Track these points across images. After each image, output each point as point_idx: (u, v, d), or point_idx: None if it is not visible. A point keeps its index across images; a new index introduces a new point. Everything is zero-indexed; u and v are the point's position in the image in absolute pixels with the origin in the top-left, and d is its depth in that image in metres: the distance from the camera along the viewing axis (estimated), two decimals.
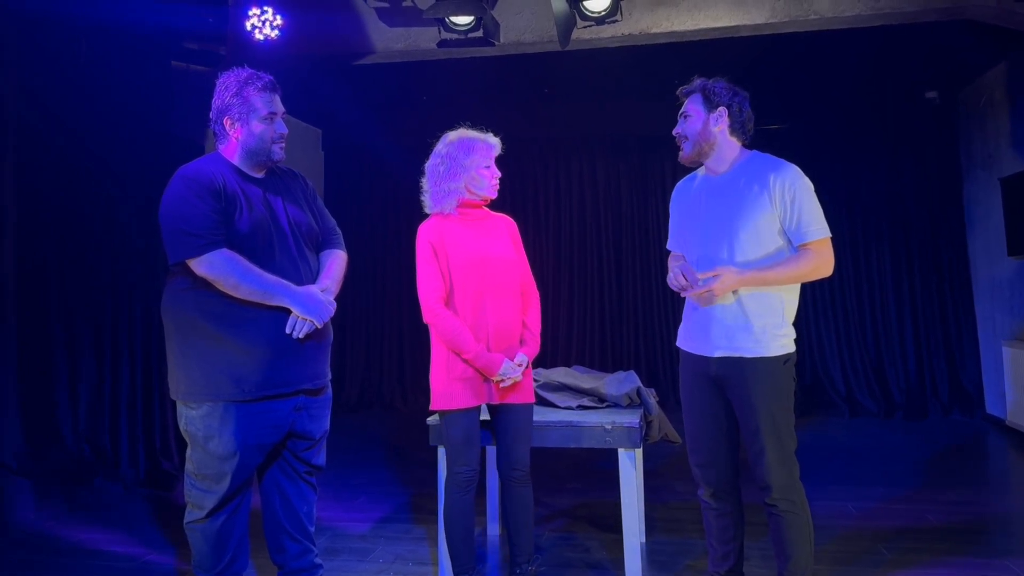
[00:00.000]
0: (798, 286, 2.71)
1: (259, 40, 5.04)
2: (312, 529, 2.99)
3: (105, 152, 5.07)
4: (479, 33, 5.01)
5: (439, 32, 5.07)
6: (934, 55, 6.50)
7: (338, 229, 3.05)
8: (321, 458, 2.98)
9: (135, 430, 5.19)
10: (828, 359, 7.60)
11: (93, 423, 4.95)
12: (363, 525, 4.21)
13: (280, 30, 5.05)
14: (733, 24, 5.09)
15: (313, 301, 2.69)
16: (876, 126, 7.60)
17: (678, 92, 2.86)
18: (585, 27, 5.08)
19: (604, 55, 5.74)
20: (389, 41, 5.50)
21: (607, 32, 5.20)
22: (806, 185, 2.63)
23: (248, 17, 5.00)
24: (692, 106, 2.78)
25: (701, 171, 2.89)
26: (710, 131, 2.74)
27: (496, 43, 5.21)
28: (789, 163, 2.68)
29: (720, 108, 2.72)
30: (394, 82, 7.10)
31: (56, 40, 4.77)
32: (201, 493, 2.69)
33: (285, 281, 2.66)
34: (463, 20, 4.93)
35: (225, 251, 2.58)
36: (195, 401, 2.64)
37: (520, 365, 2.96)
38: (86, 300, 4.95)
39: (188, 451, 2.71)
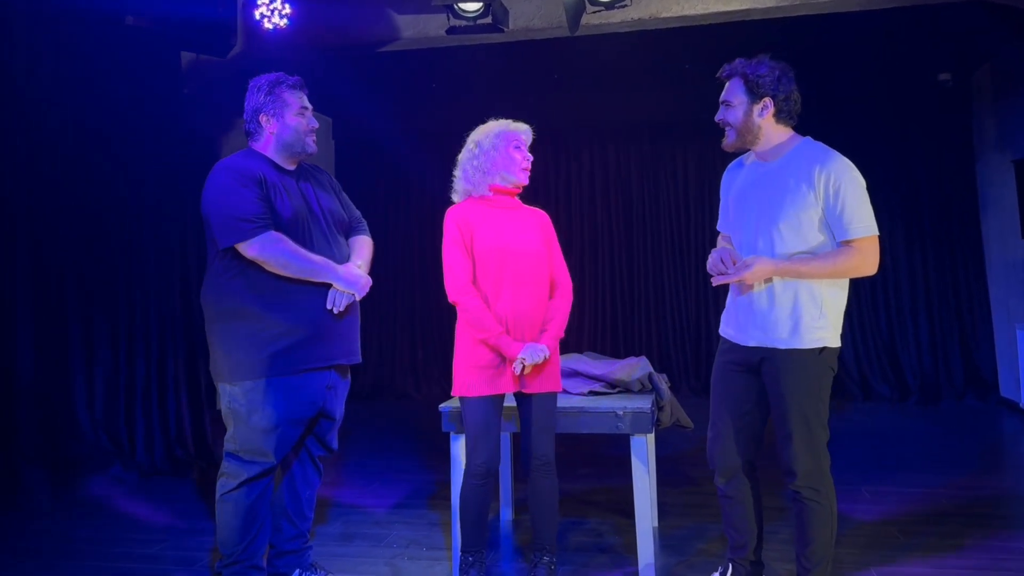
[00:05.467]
0: (846, 280, 2.65)
1: (268, 29, 5.05)
2: (311, 514, 3.16)
3: (117, 144, 5.09)
4: (488, 20, 4.99)
5: (448, 19, 5.05)
6: (947, 36, 6.44)
7: (363, 219, 3.30)
8: (336, 441, 3.17)
9: (151, 419, 5.24)
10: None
11: (109, 412, 5.01)
12: (378, 511, 4.24)
13: (289, 19, 5.05)
14: (744, 8, 5.05)
15: (354, 276, 2.92)
16: (889, 109, 7.55)
17: (718, 74, 2.76)
18: (594, 12, 5.06)
19: (614, 40, 5.71)
20: (398, 29, 5.49)
21: (616, 17, 5.17)
22: (854, 179, 2.55)
23: (257, 6, 5.00)
24: (734, 93, 2.69)
25: (750, 157, 2.82)
26: (754, 121, 2.67)
27: (505, 29, 5.20)
28: (839, 155, 2.60)
29: (765, 99, 2.64)
30: (403, 70, 7.09)
31: (65, 33, 4.79)
32: (241, 463, 2.85)
33: (327, 259, 2.88)
34: (472, 7, 4.92)
35: (274, 232, 2.79)
36: (239, 379, 2.81)
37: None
38: (102, 291, 4.99)
39: (229, 431, 2.87)
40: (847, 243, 2.55)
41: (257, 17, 5.02)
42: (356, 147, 8.64)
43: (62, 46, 4.78)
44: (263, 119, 2.95)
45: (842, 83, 7.47)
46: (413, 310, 8.49)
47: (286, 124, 2.95)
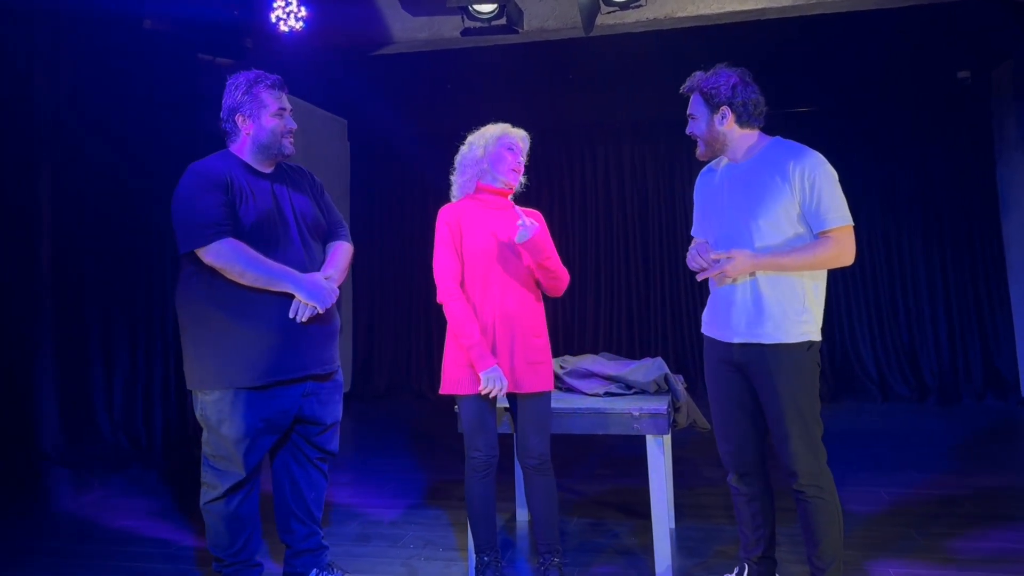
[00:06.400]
0: (824, 273, 2.69)
1: (284, 32, 5.07)
2: (320, 514, 3.14)
3: (135, 147, 5.14)
4: (502, 21, 4.99)
5: (462, 20, 5.07)
6: (965, 34, 6.39)
7: (344, 222, 3.20)
8: (334, 444, 3.12)
9: (169, 419, 5.28)
10: (860, 343, 7.52)
11: (128, 413, 5.05)
12: (394, 511, 4.25)
13: (304, 21, 5.07)
14: (760, 7, 5.03)
15: (316, 287, 2.83)
16: (907, 107, 7.48)
17: (681, 90, 2.85)
18: (609, 12, 5.05)
19: (629, 40, 5.70)
20: (412, 31, 5.50)
21: (631, 17, 5.16)
22: (827, 172, 2.60)
23: (273, 9, 5.03)
24: (695, 107, 2.78)
25: (723, 160, 2.87)
26: (717, 130, 2.74)
27: (520, 30, 5.20)
28: (811, 150, 2.65)
29: (722, 108, 2.70)
30: (418, 71, 7.11)
31: (84, 37, 4.84)
32: (217, 473, 2.86)
33: (289, 268, 2.80)
34: (486, 8, 4.92)
35: (231, 240, 2.72)
36: (208, 388, 2.79)
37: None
38: (120, 294, 5.03)
39: (204, 435, 2.87)
40: (824, 234, 2.59)
41: (273, 20, 5.04)
42: (371, 148, 8.67)
43: (81, 48, 4.83)
44: (239, 119, 2.89)
45: (859, 82, 7.42)
46: (428, 310, 8.49)
47: (262, 125, 2.88)
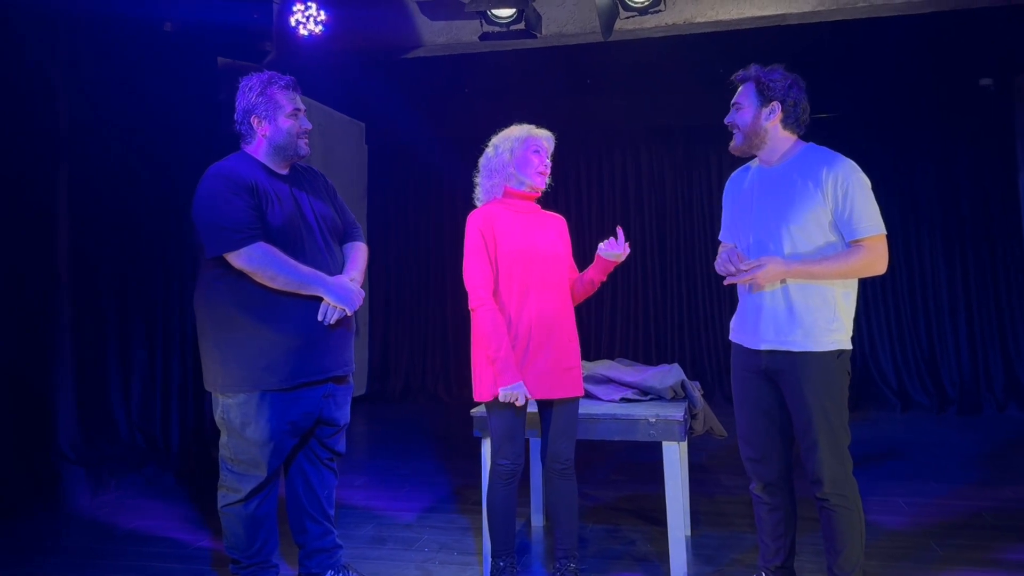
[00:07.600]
0: (855, 281, 2.66)
1: (303, 36, 5.11)
2: (332, 512, 3.15)
3: (155, 149, 5.18)
4: (521, 25, 5.00)
5: (481, 25, 5.08)
6: (988, 41, 6.34)
7: (358, 223, 3.21)
8: (342, 445, 3.15)
9: (186, 420, 5.31)
10: (879, 352, 7.46)
11: (145, 413, 5.08)
12: (409, 514, 4.25)
13: (324, 25, 5.10)
14: (780, 12, 5.01)
15: (345, 290, 2.85)
16: (929, 114, 7.43)
17: (732, 78, 2.81)
18: (628, 17, 5.04)
19: (647, 46, 5.70)
20: (431, 35, 5.52)
21: (650, 22, 5.15)
22: (860, 180, 2.57)
23: (292, 13, 5.06)
24: (745, 96, 2.73)
25: (755, 163, 2.85)
26: (761, 125, 2.70)
27: (538, 35, 5.20)
28: (844, 157, 2.62)
29: (774, 103, 2.67)
30: (437, 75, 7.13)
31: (105, 39, 4.88)
32: (238, 477, 2.85)
33: (318, 272, 2.81)
34: (505, 13, 4.93)
35: (262, 244, 2.72)
36: (232, 391, 2.78)
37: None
38: (138, 294, 5.07)
39: (223, 438, 2.87)
40: (856, 243, 2.56)
41: (292, 24, 5.08)
42: (390, 151, 8.70)
43: (102, 50, 4.87)
44: (255, 121, 2.89)
45: (880, 89, 7.37)
46: (444, 313, 8.50)
47: (279, 127, 2.88)
